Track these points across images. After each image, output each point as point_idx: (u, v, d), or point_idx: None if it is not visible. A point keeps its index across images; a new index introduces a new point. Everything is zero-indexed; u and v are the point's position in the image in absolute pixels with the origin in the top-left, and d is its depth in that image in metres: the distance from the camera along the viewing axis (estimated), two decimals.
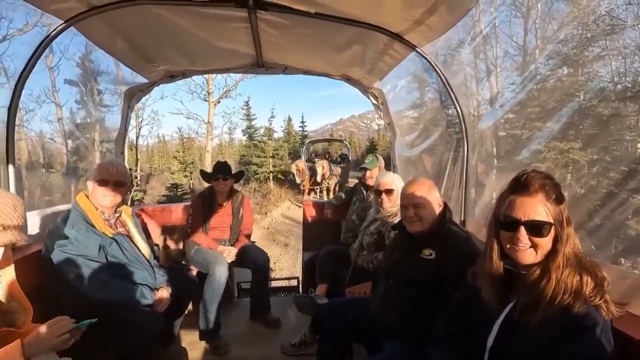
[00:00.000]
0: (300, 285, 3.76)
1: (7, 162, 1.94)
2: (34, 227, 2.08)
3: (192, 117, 19.19)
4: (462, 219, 2.39)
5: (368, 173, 3.15)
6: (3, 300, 1.31)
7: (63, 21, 1.78)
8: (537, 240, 1.05)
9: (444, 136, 3.08)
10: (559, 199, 1.06)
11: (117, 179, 2.02)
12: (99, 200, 1.99)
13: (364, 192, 3.16)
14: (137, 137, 19.47)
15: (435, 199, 1.71)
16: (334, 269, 2.70)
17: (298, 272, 4.77)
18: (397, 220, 2.21)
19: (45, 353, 1.22)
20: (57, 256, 1.78)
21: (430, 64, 2.23)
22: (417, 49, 2.12)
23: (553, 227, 1.04)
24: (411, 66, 2.98)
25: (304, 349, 2.50)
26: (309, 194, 15.34)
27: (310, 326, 2.55)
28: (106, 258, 1.91)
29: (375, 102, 3.24)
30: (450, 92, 2.29)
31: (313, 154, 20.27)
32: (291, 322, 2.59)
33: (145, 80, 2.87)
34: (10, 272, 1.36)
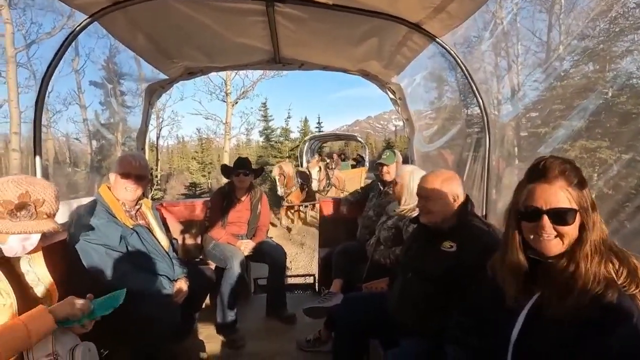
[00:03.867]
0: (317, 283, 3.75)
1: (34, 155, 2.01)
2: (59, 217, 2.15)
3: (210, 117, 19.51)
4: (484, 213, 2.32)
5: (385, 168, 3.09)
6: (32, 286, 1.35)
7: (87, 16, 1.84)
8: (562, 229, 0.99)
9: (463, 131, 3.01)
10: (581, 184, 0.99)
11: (138, 172, 2.06)
12: (120, 192, 2.04)
13: (381, 188, 3.11)
14: (158, 138, 19.96)
15: (450, 192, 1.65)
16: (349, 264, 2.68)
17: (314, 270, 4.76)
18: (415, 214, 2.17)
19: (67, 334, 1.26)
20: (80, 245, 1.84)
21: (450, 53, 2.18)
22: (436, 39, 2.08)
23: (578, 213, 0.98)
24: (429, 62, 2.93)
25: (319, 345, 2.49)
26: (299, 209, 9.86)
27: (326, 322, 2.53)
28: (127, 248, 1.96)
29: (393, 97, 3.19)
30: (471, 82, 2.22)
31: (321, 156, 13.63)
32: (307, 318, 2.58)
33: (166, 77, 2.92)
34: (39, 259, 1.41)
